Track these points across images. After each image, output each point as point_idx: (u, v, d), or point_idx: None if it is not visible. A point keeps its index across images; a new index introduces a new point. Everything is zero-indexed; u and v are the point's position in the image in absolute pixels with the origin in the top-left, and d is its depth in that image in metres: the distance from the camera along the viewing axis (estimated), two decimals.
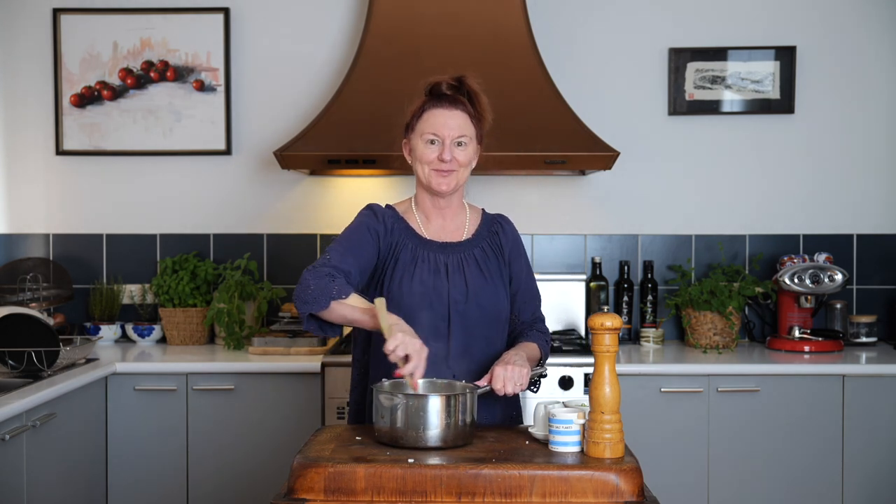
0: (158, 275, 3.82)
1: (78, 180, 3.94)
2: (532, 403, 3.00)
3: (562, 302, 3.75)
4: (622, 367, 3.28)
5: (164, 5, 3.90)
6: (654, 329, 3.75)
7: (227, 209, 3.94)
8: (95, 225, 3.95)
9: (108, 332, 3.79)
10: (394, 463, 1.77)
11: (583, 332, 3.73)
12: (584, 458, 1.82)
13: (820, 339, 3.64)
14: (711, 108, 3.90)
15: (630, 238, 3.95)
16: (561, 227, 3.94)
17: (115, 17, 3.90)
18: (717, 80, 3.89)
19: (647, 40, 3.93)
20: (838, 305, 3.80)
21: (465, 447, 1.90)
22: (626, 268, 3.87)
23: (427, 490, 1.73)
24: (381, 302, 2.00)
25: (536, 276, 2.42)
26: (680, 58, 3.90)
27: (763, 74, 3.88)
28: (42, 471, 2.80)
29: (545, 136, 3.46)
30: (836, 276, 3.63)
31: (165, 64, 3.90)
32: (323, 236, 3.92)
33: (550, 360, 3.16)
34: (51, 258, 3.93)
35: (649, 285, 3.85)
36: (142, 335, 3.81)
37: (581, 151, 3.43)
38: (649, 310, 3.83)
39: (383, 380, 2.03)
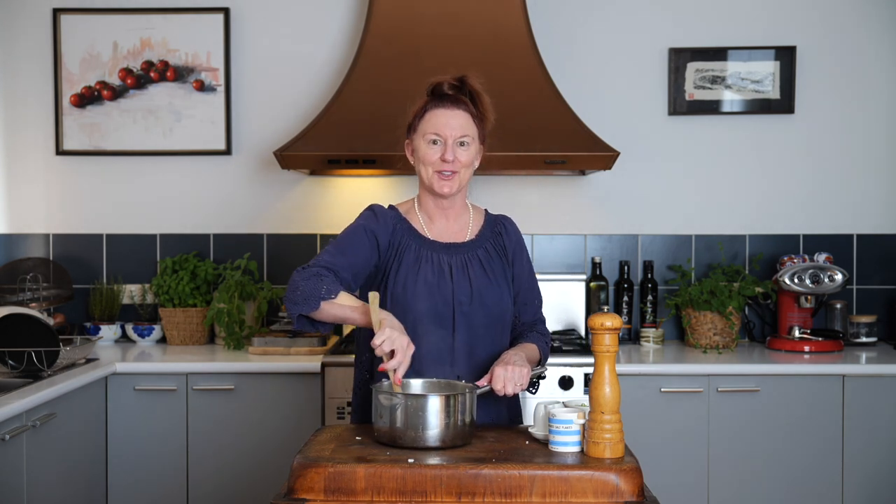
0: (158, 275, 3.82)
1: (78, 180, 3.94)
2: (532, 403, 3.01)
3: (562, 302, 3.75)
4: (622, 367, 3.28)
5: (164, 5, 3.90)
6: (654, 329, 3.75)
7: (227, 209, 3.94)
8: (95, 225, 3.95)
9: (108, 332, 3.79)
10: (394, 463, 1.77)
11: (583, 332, 3.73)
12: (584, 458, 1.82)
13: (820, 339, 3.64)
14: (711, 108, 3.90)
15: (630, 238, 3.95)
16: (561, 227, 3.94)
17: (115, 17, 3.90)
18: (717, 80, 3.89)
19: (647, 40, 3.93)
20: (838, 305, 3.80)
21: (464, 447, 1.90)
22: (626, 268, 3.86)
23: (427, 490, 1.73)
24: (374, 297, 2.00)
25: (536, 277, 2.42)
26: (680, 58, 3.90)
27: (763, 74, 3.88)
28: (42, 471, 2.80)
29: (545, 136, 3.46)
30: (836, 276, 3.63)
31: (165, 64, 3.89)
32: (323, 236, 3.92)
33: (550, 360, 3.16)
34: (51, 258, 3.93)
35: (649, 285, 3.85)
36: (142, 335, 3.81)
37: (581, 151, 3.43)
38: (649, 310, 3.83)
39: (383, 380, 2.03)
